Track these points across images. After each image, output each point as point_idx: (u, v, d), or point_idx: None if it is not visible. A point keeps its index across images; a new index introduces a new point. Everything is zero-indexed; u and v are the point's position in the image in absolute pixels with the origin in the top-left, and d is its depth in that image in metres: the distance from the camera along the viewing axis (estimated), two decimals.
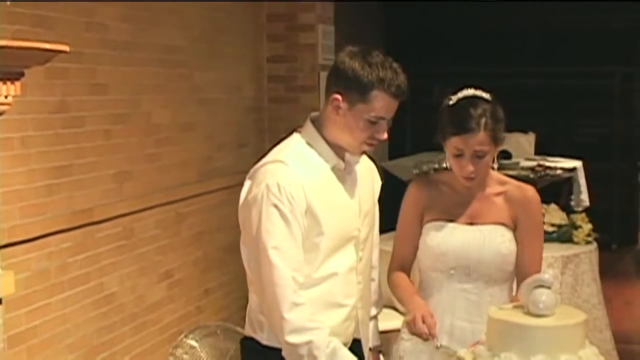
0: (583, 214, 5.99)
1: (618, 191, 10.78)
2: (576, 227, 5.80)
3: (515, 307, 2.72)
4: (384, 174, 9.04)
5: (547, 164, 8.07)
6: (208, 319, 5.73)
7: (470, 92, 3.19)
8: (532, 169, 7.79)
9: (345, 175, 3.00)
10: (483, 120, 3.09)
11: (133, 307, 5.03)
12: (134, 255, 5.03)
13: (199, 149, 5.87)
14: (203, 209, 5.87)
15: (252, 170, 2.95)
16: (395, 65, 2.91)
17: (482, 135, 3.09)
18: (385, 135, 2.94)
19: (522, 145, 8.94)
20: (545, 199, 5.80)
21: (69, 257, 4.43)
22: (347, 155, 3.00)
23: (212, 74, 6.07)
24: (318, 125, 2.98)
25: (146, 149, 5.20)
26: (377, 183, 3.24)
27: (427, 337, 3.02)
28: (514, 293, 3.20)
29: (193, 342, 4.43)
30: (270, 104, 6.97)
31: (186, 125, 5.70)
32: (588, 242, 5.76)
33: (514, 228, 3.21)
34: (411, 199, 3.31)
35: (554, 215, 5.85)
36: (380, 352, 3.31)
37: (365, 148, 2.97)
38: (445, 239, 3.19)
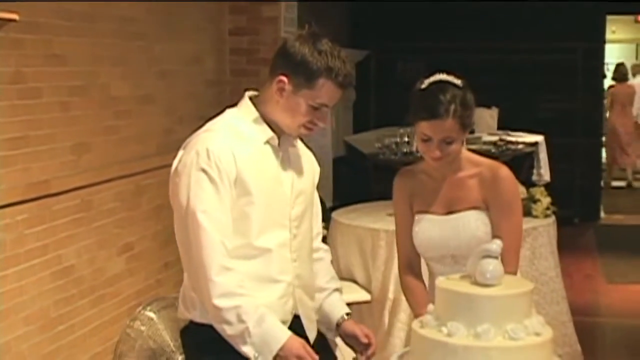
0: (542, 188, 6.02)
1: (581, 166, 10.87)
2: (535, 201, 5.83)
3: (463, 277, 2.74)
4: (347, 148, 9.08)
5: (509, 138, 8.12)
6: (167, 292, 5.71)
7: (441, 77, 3.16)
8: (494, 143, 7.83)
9: (279, 151, 3.00)
10: (452, 107, 3.06)
11: (92, 280, 5.01)
12: (92, 228, 5.00)
13: (158, 121, 5.83)
14: (163, 182, 5.75)
15: (185, 142, 2.97)
16: (343, 54, 2.92)
17: (450, 122, 3.07)
18: (326, 123, 2.97)
19: (485, 120, 8.97)
20: None
21: (25, 229, 4.40)
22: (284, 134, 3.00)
23: (173, 46, 6.03)
24: (257, 102, 2.99)
25: (105, 121, 5.16)
26: (317, 169, 3.23)
27: None
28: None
29: (151, 314, 4.42)
30: (232, 77, 6.94)
31: (145, 97, 5.66)
32: (547, 216, 5.80)
33: (487, 208, 3.20)
34: (399, 192, 3.33)
35: None
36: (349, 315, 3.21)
37: (303, 132, 2.98)
38: (423, 232, 3.24)
